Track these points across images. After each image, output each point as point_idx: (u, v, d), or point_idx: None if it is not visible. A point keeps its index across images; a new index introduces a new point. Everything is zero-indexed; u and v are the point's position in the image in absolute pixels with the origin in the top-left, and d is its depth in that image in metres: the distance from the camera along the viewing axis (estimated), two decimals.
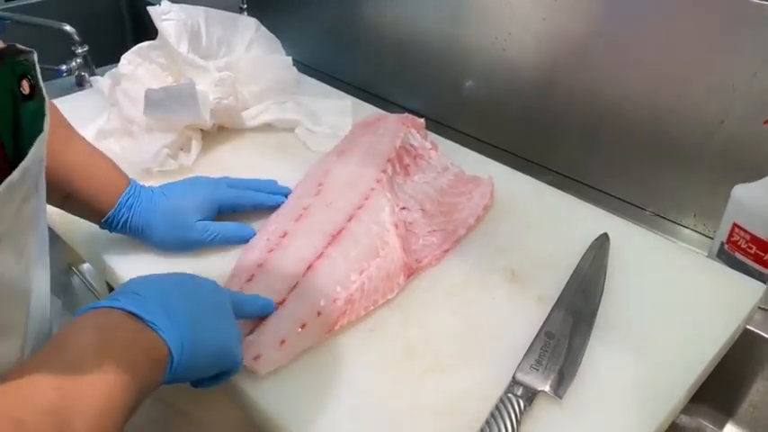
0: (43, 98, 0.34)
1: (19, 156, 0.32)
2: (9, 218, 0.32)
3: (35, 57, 0.35)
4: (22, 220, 0.33)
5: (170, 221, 0.64)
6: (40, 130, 0.33)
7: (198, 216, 0.65)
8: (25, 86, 0.35)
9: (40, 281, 0.39)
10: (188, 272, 0.50)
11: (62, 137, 0.61)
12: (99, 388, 0.36)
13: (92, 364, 0.37)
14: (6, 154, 0.37)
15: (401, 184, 0.72)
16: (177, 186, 0.67)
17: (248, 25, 0.95)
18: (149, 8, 0.86)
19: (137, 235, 0.64)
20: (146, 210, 0.63)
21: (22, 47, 0.35)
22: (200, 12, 0.90)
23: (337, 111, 0.92)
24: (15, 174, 0.31)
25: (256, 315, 0.55)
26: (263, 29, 0.97)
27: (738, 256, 0.67)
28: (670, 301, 0.61)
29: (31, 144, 0.33)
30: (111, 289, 0.79)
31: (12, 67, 0.35)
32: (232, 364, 0.48)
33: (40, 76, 0.35)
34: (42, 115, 0.34)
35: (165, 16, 0.85)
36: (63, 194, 0.60)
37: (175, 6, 0.88)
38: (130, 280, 0.47)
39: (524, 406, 0.50)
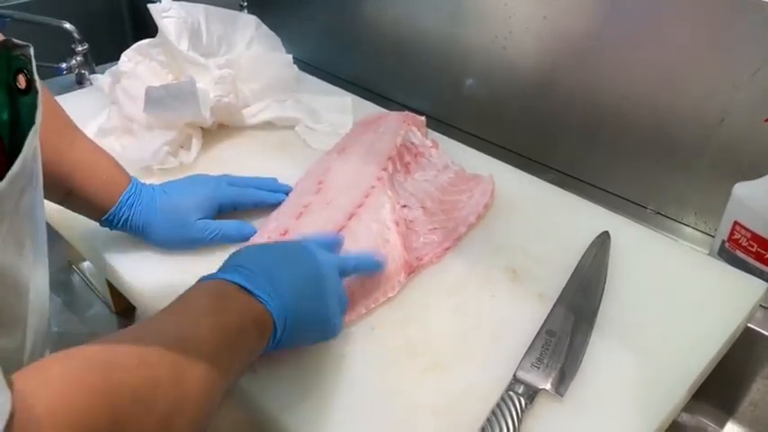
0: (37, 91, 0.34)
1: (16, 151, 0.32)
2: (10, 211, 0.32)
3: (31, 51, 0.35)
4: (20, 213, 0.33)
5: (170, 220, 0.64)
6: (32, 122, 0.33)
7: (198, 215, 0.65)
8: (21, 81, 0.35)
9: (39, 275, 0.39)
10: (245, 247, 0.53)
11: (67, 136, 0.61)
12: (212, 347, 0.41)
13: (208, 326, 0.42)
14: (5, 148, 0.37)
15: (402, 182, 0.72)
16: (178, 184, 0.67)
17: (248, 23, 0.95)
18: (149, 6, 0.86)
19: (137, 233, 0.64)
20: (146, 208, 0.63)
21: (19, 41, 0.34)
22: (200, 9, 0.90)
23: (338, 109, 0.92)
24: (16, 166, 0.31)
25: (367, 270, 0.58)
26: (264, 27, 0.97)
27: (739, 254, 0.67)
28: (671, 300, 0.61)
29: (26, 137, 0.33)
30: (111, 287, 0.79)
31: (8, 61, 0.35)
32: (332, 332, 0.52)
33: (35, 69, 0.34)
34: (35, 108, 0.34)
35: (165, 14, 0.85)
36: (65, 192, 0.60)
37: (175, 4, 0.88)
38: (237, 253, 0.50)
39: (525, 404, 0.50)
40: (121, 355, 0.37)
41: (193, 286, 0.46)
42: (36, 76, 0.34)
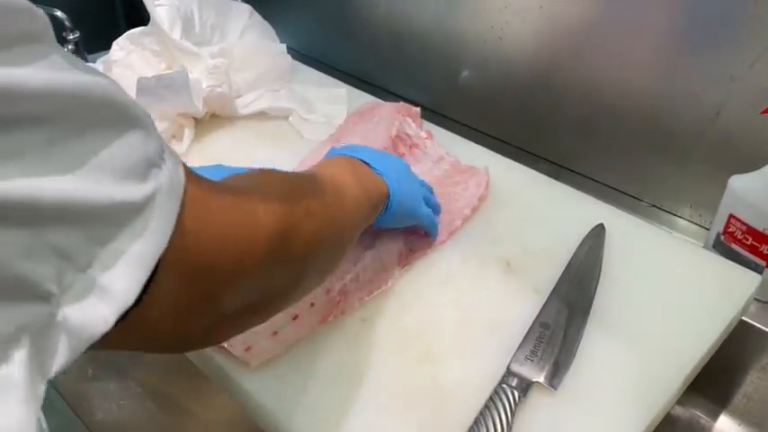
0: None
1: None
2: None
3: None
4: None
5: None
6: None
7: None
8: None
9: None
10: None
11: None
12: (357, 195, 0.50)
13: (353, 181, 0.51)
14: None
15: None
16: None
17: (242, 11, 0.94)
18: None
19: None
20: None
21: None
22: None
23: (332, 99, 0.91)
24: None
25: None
26: (257, 15, 0.96)
27: (734, 246, 0.67)
28: (666, 292, 0.60)
29: None
30: None
31: None
32: (430, 224, 0.63)
33: None
34: None
35: (157, 2, 0.84)
36: None
37: None
38: (346, 147, 0.61)
39: (519, 397, 0.50)
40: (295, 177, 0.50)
41: (333, 158, 0.57)
42: None
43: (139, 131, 0.27)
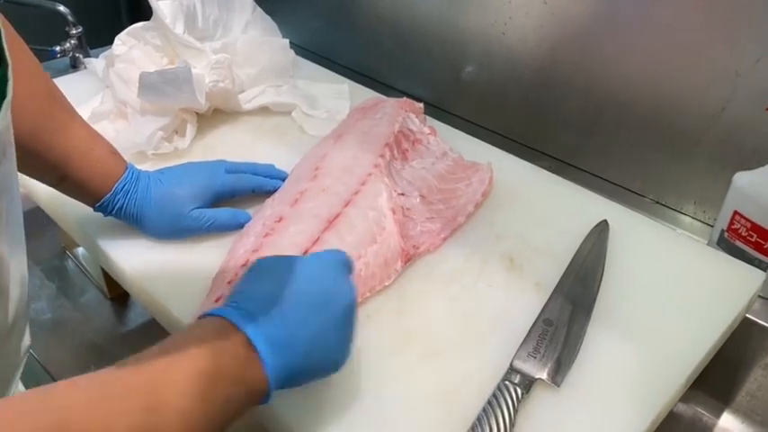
0: (7, 64, 0.34)
1: None
2: None
3: None
4: None
5: (164, 211, 0.63)
6: (4, 95, 0.32)
7: (193, 205, 0.64)
8: None
9: (17, 245, 0.39)
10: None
11: (61, 120, 0.60)
12: (190, 409, 0.37)
13: (198, 384, 0.38)
14: None
15: (399, 170, 0.71)
16: (174, 173, 0.66)
17: (244, 6, 0.94)
18: None
19: (130, 222, 0.64)
20: (141, 198, 0.62)
21: None
22: None
23: (335, 95, 0.91)
24: None
25: None
26: (260, 10, 0.96)
27: (738, 243, 0.66)
28: (669, 289, 0.60)
29: None
30: (105, 272, 0.78)
31: None
32: (334, 372, 0.47)
33: (5, 43, 0.34)
34: (6, 81, 0.33)
35: None
36: (59, 176, 0.60)
37: None
38: (259, 282, 0.45)
39: (521, 394, 0.49)
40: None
41: (200, 324, 0.42)
42: (6, 50, 0.33)
43: None
